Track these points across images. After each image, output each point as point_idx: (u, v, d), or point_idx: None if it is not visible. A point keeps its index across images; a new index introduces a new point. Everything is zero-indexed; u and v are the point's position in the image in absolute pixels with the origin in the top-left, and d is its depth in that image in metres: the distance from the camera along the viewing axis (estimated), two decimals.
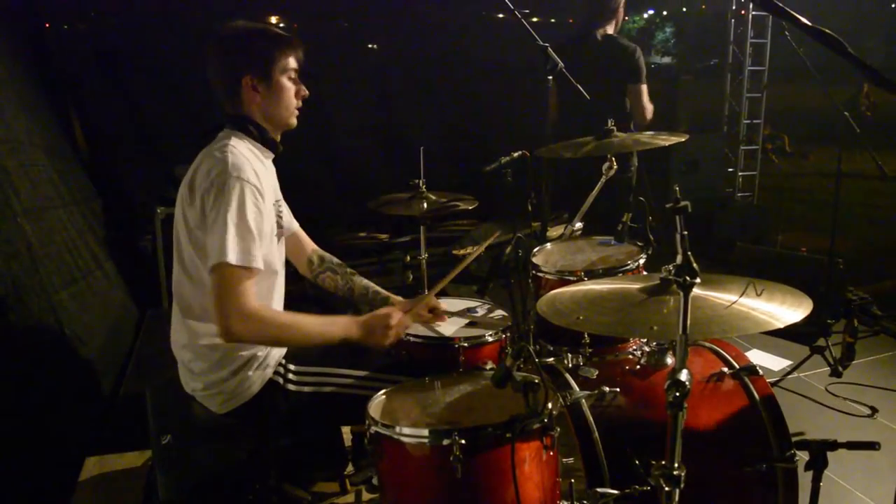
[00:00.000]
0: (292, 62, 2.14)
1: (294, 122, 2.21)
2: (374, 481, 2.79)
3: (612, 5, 4.07)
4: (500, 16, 6.49)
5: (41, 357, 3.08)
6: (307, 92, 2.20)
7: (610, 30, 4.12)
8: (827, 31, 1.42)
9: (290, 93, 2.15)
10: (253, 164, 2.04)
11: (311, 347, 2.11)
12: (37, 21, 4.97)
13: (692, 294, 1.45)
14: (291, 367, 2.18)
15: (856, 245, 5.78)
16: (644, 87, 4.06)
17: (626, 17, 4.23)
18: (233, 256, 1.89)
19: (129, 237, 5.04)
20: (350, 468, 2.89)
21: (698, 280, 1.41)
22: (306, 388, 2.17)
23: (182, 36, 5.31)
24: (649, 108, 4.11)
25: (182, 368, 2.22)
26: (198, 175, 2.01)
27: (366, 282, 2.57)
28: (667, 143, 2.54)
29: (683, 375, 1.43)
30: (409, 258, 5.29)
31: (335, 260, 2.58)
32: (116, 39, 5.40)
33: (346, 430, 2.94)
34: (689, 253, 1.44)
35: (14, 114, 3.76)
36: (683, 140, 2.60)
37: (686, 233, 1.44)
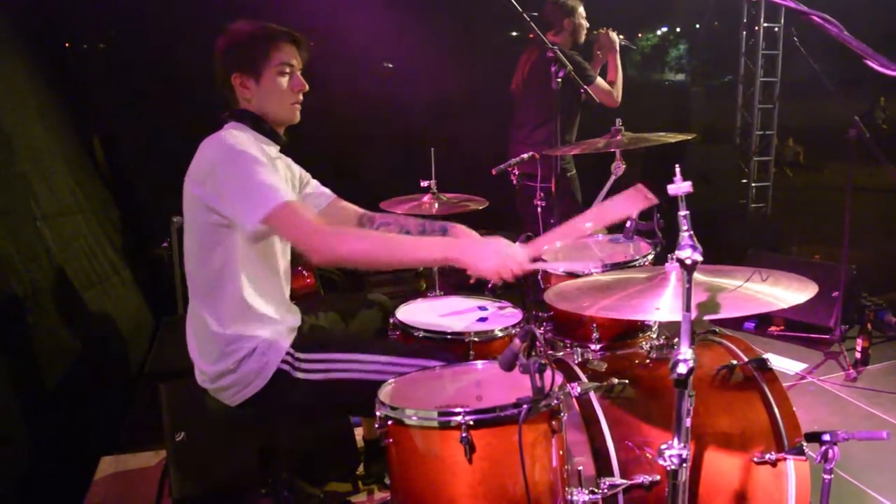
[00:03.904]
0: (285, 57, 2.16)
1: (295, 116, 2.23)
2: (386, 480, 2.82)
3: (552, 17, 4.07)
4: (514, 34, 6.59)
5: (58, 359, 3.12)
6: (306, 86, 2.21)
7: (556, 38, 4.05)
8: (823, 14, 1.45)
9: (282, 87, 2.17)
10: (253, 146, 2.08)
11: (391, 268, 2.03)
12: (58, 40, 5.07)
13: (699, 279, 1.47)
14: (299, 355, 2.18)
15: (871, 256, 5.75)
16: (597, 81, 3.99)
17: (602, 31, 4.14)
18: (275, 197, 1.92)
19: (145, 246, 5.10)
20: (362, 469, 2.91)
21: (700, 258, 1.43)
22: (316, 376, 2.17)
23: (197, 51, 5.41)
24: (613, 90, 4.06)
25: (194, 361, 2.26)
26: (200, 156, 2.06)
27: (420, 220, 2.45)
28: (674, 141, 2.56)
29: (688, 352, 1.45)
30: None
31: (388, 217, 2.51)
32: (134, 56, 5.51)
33: (358, 432, 2.96)
34: (692, 232, 1.45)
35: (34, 125, 3.84)
36: (690, 138, 2.63)
37: (688, 212, 1.46)
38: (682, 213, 1.45)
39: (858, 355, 3.93)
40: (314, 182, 2.47)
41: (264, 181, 1.96)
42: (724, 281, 1.75)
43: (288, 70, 2.17)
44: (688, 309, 1.45)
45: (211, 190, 2.01)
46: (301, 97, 2.22)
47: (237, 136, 2.07)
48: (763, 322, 4.50)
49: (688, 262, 1.42)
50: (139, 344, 4.14)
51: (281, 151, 2.31)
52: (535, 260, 2.00)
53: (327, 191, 2.52)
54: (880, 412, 3.44)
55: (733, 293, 1.66)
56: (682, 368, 1.45)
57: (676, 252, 1.45)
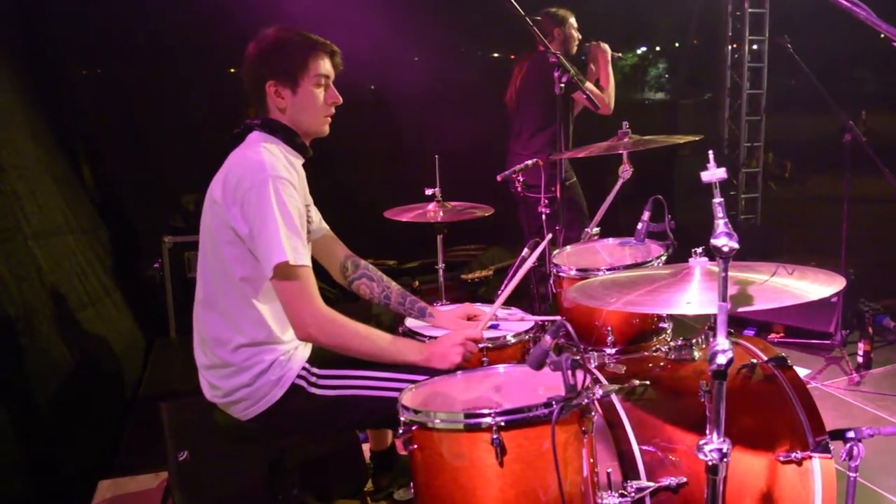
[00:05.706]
0: (322, 68, 2.11)
1: (325, 129, 2.20)
2: (395, 496, 2.75)
3: (543, 26, 4.03)
4: (496, 55, 6.64)
5: (52, 381, 3.03)
6: (340, 99, 2.17)
7: (552, 46, 4.07)
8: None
9: (317, 100, 2.12)
10: (284, 164, 2.05)
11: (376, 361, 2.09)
12: (47, 63, 5.02)
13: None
14: (315, 370, 2.13)
15: (863, 264, 5.78)
16: (587, 86, 3.93)
17: (596, 42, 4.18)
18: (291, 256, 1.90)
19: (136, 268, 5.02)
20: (370, 485, 2.84)
21: (737, 245, 1.39)
22: (331, 392, 2.12)
23: (186, 72, 5.40)
24: (604, 94, 4.09)
25: (203, 376, 2.18)
26: (232, 176, 2.00)
27: (403, 290, 2.53)
28: (682, 142, 2.55)
29: (725, 343, 1.41)
30: (417, 283, 5.29)
31: (371, 266, 2.52)
32: (122, 79, 5.48)
33: (365, 448, 2.89)
34: (727, 219, 1.42)
35: (24, 142, 3.78)
36: (697, 140, 2.62)
37: (722, 199, 1.43)
38: (717, 200, 1.43)
39: (861, 359, 3.92)
40: (315, 209, 2.40)
41: (284, 233, 1.92)
42: (750, 275, 1.72)
43: (324, 82, 2.13)
44: (724, 299, 1.41)
45: (237, 215, 1.97)
46: (333, 110, 2.19)
47: (273, 154, 2.04)
48: (763, 329, 4.49)
49: (725, 249, 1.39)
50: (133, 366, 4.05)
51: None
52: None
53: (325, 225, 2.48)
54: (887, 415, 3.43)
55: (763, 286, 1.63)
56: (721, 359, 1.40)
57: (711, 240, 1.41)
